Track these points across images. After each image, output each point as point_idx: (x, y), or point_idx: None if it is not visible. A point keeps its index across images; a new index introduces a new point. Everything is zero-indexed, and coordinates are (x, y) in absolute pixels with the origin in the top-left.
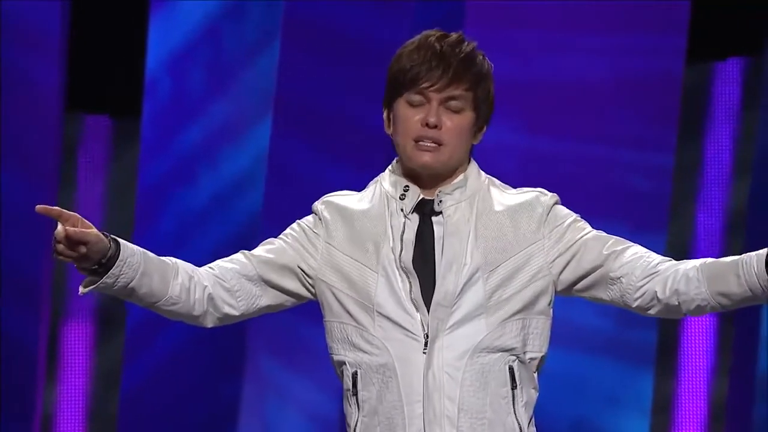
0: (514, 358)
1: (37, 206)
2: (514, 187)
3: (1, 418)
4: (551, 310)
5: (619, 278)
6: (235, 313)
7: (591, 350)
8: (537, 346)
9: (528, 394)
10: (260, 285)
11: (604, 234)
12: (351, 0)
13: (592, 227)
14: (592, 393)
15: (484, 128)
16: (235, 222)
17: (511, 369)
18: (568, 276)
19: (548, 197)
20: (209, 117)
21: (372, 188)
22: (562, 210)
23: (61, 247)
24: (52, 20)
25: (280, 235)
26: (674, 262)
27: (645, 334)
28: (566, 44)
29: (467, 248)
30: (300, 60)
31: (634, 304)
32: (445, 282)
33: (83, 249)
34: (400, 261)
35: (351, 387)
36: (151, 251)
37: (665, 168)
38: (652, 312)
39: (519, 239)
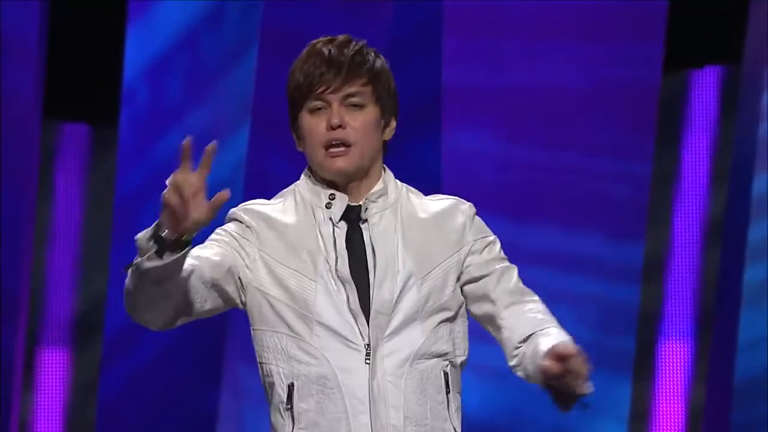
0: (447, 362)
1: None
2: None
3: None
4: (466, 312)
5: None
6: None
7: None
8: (463, 349)
9: (457, 399)
10: (209, 288)
11: (515, 280)
12: (329, 8)
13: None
14: None
15: (393, 123)
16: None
17: (445, 374)
18: (465, 287)
19: (467, 206)
20: (187, 125)
21: (290, 198)
22: (482, 222)
23: (187, 194)
24: (30, 27)
25: (211, 240)
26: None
27: (623, 341)
28: (544, 52)
29: (398, 255)
30: (278, 67)
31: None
32: (382, 290)
33: (196, 214)
34: (336, 271)
35: (285, 399)
36: (129, 259)
37: (643, 176)
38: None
39: (446, 246)
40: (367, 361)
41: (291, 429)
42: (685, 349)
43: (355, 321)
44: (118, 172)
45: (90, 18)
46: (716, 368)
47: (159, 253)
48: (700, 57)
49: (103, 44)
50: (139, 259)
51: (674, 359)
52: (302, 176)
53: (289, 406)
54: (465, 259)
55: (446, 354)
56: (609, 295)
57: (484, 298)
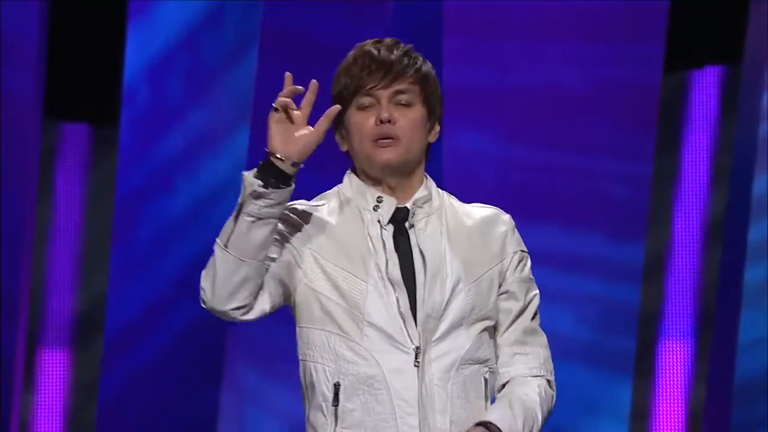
0: (487, 369)
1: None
2: (467, 202)
3: None
4: None
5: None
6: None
7: (569, 357)
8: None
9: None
10: (276, 283)
11: (533, 314)
12: (329, 8)
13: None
14: (569, 400)
15: (438, 128)
16: (213, 230)
17: (486, 380)
18: (499, 297)
19: (508, 217)
20: (187, 125)
21: (334, 200)
22: (519, 235)
23: (297, 116)
24: (30, 27)
25: None
26: (517, 386)
27: (623, 341)
28: (544, 53)
29: (446, 260)
30: (278, 67)
31: None
32: (432, 294)
33: (305, 133)
34: (387, 273)
35: (331, 398)
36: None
37: (643, 176)
38: None
39: (490, 255)
40: (416, 364)
41: (333, 428)
42: (686, 349)
43: (404, 323)
44: (119, 172)
45: (90, 18)
46: (716, 368)
47: (264, 187)
48: (701, 57)
49: (103, 44)
50: (244, 195)
51: (674, 359)
52: (345, 179)
53: (334, 405)
54: (506, 271)
55: (487, 360)
56: (609, 295)
57: (504, 319)
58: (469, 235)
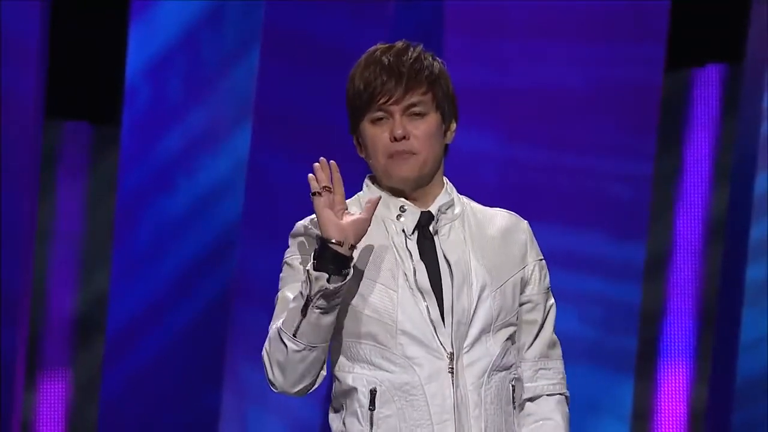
0: (513, 376)
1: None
2: (486, 205)
3: None
4: None
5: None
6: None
7: (570, 357)
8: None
9: (518, 414)
10: None
11: (553, 326)
12: (330, 8)
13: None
14: (571, 400)
15: (453, 126)
16: (214, 230)
17: (513, 388)
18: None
19: (526, 224)
20: (188, 124)
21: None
22: (537, 245)
23: (336, 198)
24: (31, 26)
25: (293, 264)
26: (542, 408)
27: (625, 340)
28: (545, 53)
29: (471, 267)
30: (279, 67)
31: None
32: (461, 300)
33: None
34: (416, 282)
35: (368, 404)
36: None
37: (645, 176)
38: None
39: (513, 262)
40: (450, 370)
41: None
42: (687, 348)
43: (435, 330)
44: (120, 171)
45: (91, 17)
46: (718, 367)
47: (329, 280)
48: (702, 55)
49: (104, 43)
50: (312, 292)
51: (676, 358)
52: (364, 186)
53: (371, 410)
54: (528, 279)
55: (512, 367)
56: (611, 294)
57: (529, 331)
58: (492, 241)
